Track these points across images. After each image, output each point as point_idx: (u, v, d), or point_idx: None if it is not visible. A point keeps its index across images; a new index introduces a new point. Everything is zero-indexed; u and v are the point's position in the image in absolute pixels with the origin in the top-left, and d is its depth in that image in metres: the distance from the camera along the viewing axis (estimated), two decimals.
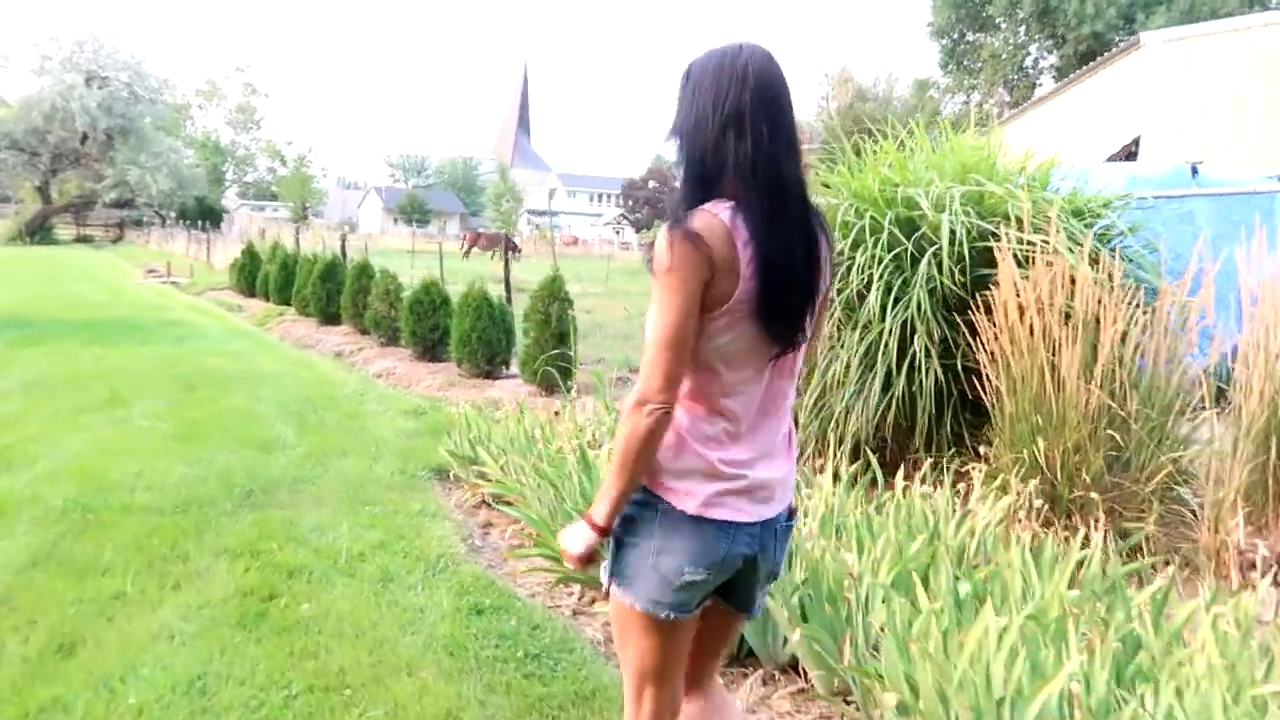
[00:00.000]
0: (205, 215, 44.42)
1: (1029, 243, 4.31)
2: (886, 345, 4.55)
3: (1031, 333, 4.25)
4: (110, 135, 48.88)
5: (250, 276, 17.67)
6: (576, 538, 1.80)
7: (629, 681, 1.89)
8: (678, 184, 1.76)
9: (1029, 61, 44.54)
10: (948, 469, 4.44)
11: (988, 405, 4.65)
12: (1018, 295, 4.27)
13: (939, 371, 4.55)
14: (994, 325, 4.40)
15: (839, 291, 4.76)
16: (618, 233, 72.26)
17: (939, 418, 4.73)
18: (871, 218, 4.65)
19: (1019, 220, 4.50)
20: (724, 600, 1.91)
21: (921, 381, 4.56)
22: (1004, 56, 45.15)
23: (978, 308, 4.45)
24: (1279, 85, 11.46)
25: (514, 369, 9.61)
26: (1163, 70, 11.74)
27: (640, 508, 1.78)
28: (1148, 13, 38.22)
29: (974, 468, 4.38)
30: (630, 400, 1.69)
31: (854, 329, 4.78)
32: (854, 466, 4.36)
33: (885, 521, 3.67)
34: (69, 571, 3.89)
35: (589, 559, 1.81)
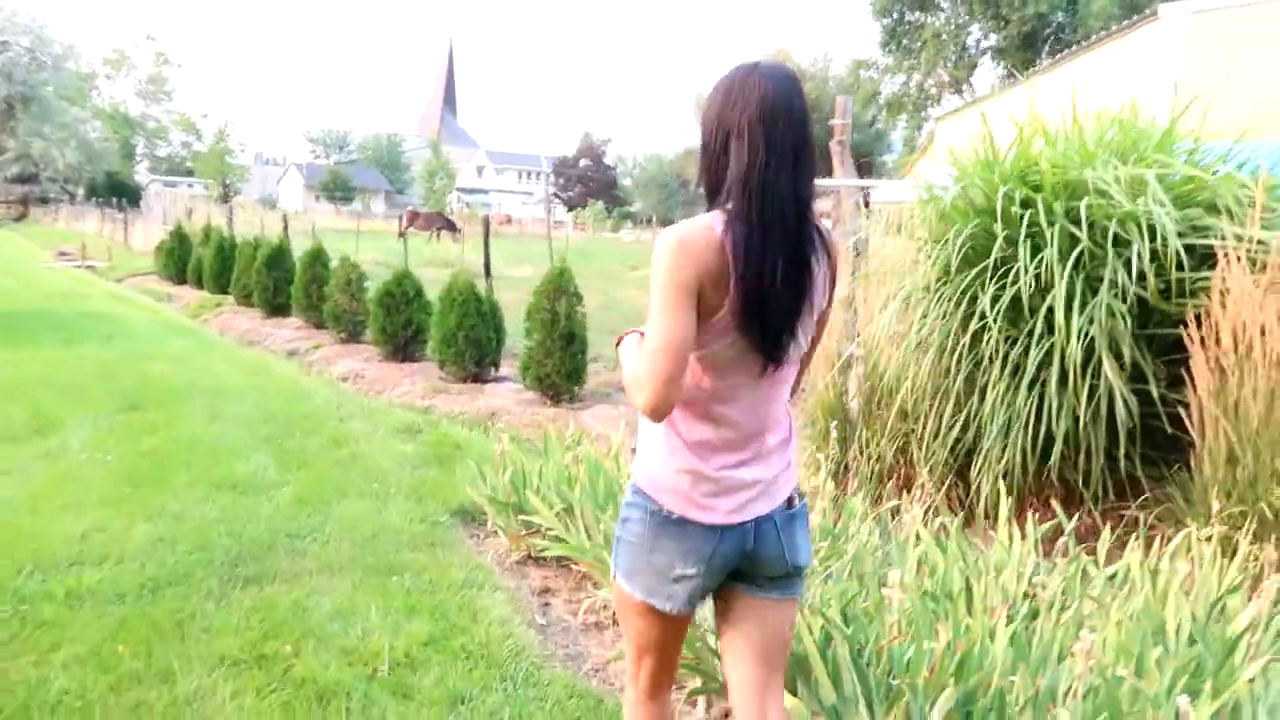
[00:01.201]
0: (116, 192, 41.67)
1: (1258, 241, 3.41)
2: (1066, 364, 3.61)
3: (1264, 355, 3.36)
4: (10, 104, 45.53)
5: (180, 261, 16.07)
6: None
7: (630, 651, 1.99)
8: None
9: (970, 41, 44.37)
10: (1148, 526, 3.54)
11: (1174, 441, 3.78)
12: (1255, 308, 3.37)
13: (1125, 397, 3.64)
14: (1206, 344, 3.50)
15: (995, 299, 3.81)
16: (550, 211, 70.71)
17: (1112, 454, 3.82)
18: (1049, 206, 3.70)
19: (1228, 211, 3.60)
20: (759, 590, 1.91)
21: (1110, 409, 3.64)
22: (944, 37, 44.94)
23: (1183, 320, 3.56)
24: None
25: (504, 370, 8.50)
26: (1183, 44, 11.09)
27: (633, 509, 1.86)
28: None
29: (1185, 524, 3.49)
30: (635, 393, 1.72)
31: (1011, 342, 3.83)
32: (1045, 526, 3.41)
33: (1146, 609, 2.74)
34: None
35: None
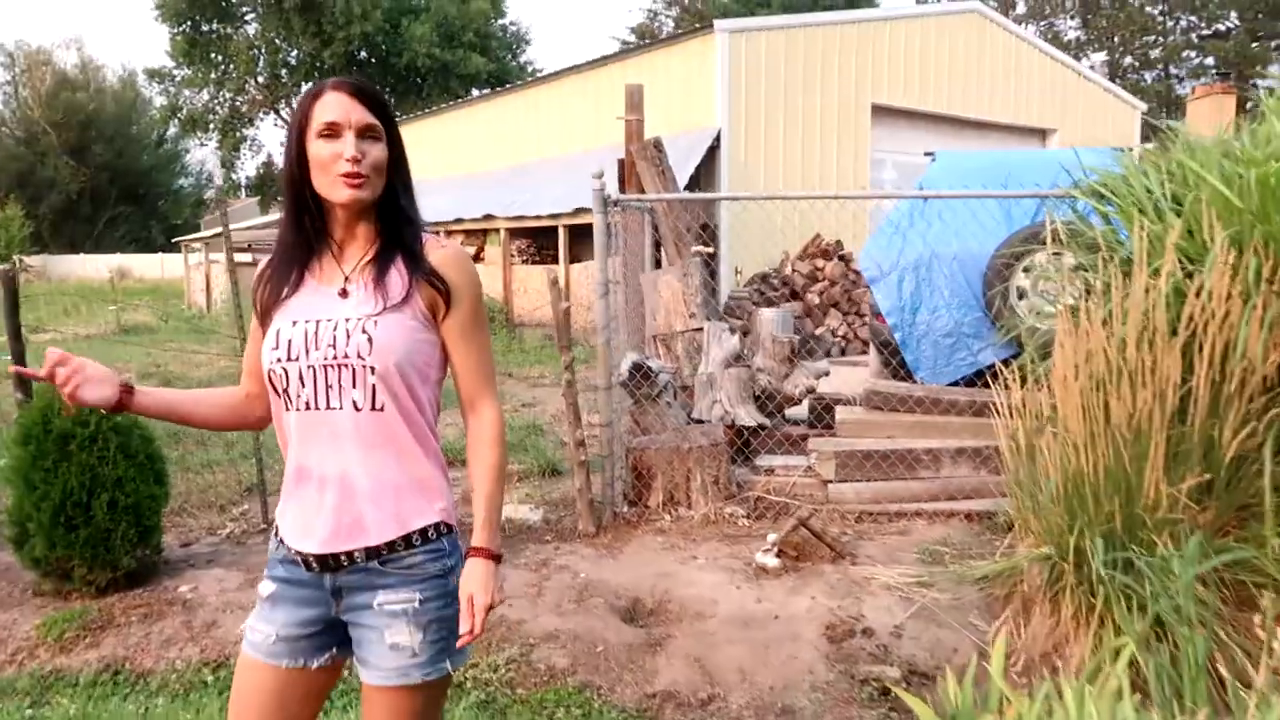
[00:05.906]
0: None
1: None
2: None
3: None
4: None
5: None
6: (492, 580, 1.58)
7: None
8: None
9: (292, 58, 41.84)
10: None
11: None
12: None
13: None
14: None
15: None
16: None
17: None
18: None
19: None
20: None
21: None
22: (256, 51, 41.72)
23: None
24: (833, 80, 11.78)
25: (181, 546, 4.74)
26: (730, 54, 11.11)
27: (450, 557, 1.65)
28: (411, 19, 38.93)
29: None
30: (497, 426, 1.70)
31: None
32: None
33: None
34: None
35: None
